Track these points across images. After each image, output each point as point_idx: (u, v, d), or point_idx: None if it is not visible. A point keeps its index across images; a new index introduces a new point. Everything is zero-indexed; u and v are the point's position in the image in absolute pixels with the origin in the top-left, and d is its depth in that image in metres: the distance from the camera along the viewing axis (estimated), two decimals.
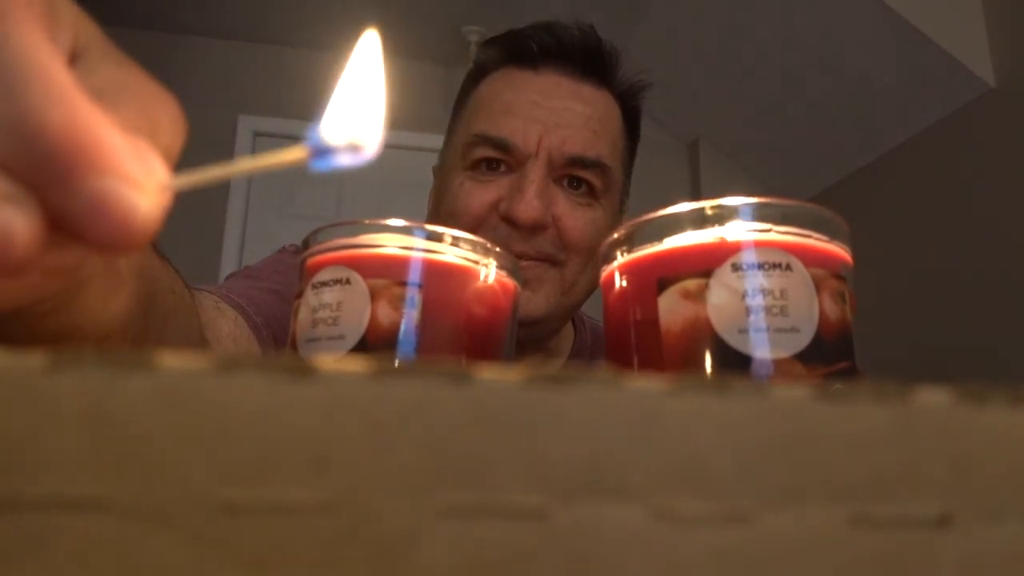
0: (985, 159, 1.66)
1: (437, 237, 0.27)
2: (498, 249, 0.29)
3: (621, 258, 0.27)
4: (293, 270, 0.49)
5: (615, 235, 0.27)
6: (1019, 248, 1.54)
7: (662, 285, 0.24)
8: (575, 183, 0.52)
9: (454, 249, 0.27)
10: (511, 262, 0.29)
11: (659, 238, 0.25)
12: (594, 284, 0.53)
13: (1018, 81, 1.60)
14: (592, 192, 0.52)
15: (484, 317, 0.28)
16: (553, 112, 0.51)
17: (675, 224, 0.25)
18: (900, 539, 0.12)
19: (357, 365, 0.11)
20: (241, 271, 0.55)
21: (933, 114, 1.82)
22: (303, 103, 2.39)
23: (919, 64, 1.73)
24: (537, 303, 0.51)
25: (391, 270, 0.26)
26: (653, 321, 0.24)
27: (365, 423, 0.11)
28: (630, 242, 0.26)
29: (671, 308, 0.24)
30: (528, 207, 0.48)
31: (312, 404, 0.11)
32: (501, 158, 0.52)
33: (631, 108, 0.57)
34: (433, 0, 2.20)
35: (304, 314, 0.27)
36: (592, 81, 0.53)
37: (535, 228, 0.50)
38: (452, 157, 0.55)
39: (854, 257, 0.26)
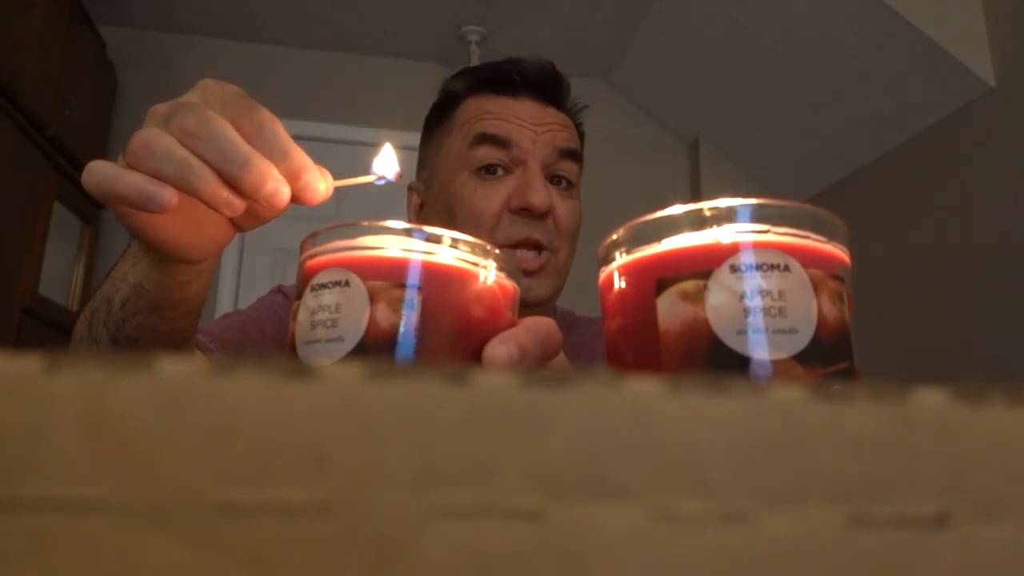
0: (985, 159, 1.66)
1: (436, 239, 0.27)
2: (497, 251, 0.29)
3: (620, 259, 0.27)
4: (267, 305, 0.65)
5: (614, 236, 0.27)
6: (1019, 248, 1.54)
7: (661, 286, 0.24)
8: (556, 180, 0.64)
9: (453, 251, 0.27)
10: (511, 264, 0.29)
11: (658, 239, 0.25)
12: (569, 268, 0.67)
13: (1018, 81, 1.60)
14: (571, 185, 0.65)
15: (483, 319, 0.28)
16: (537, 124, 0.63)
17: (674, 225, 0.25)
18: (898, 539, 0.12)
19: (355, 366, 0.11)
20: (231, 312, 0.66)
21: (933, 114, 1.82)
22: (303, 103, 2.40)
23: (919, 64, 1.73)
24: (545, 287, 0.63)
25: (390, 272, 0.26)
26: (652, 322, 0.24)
27: (363, 424, 0.11)
28: (629, 243, 0.26)
29: (670, 309, 0.24)
30: (541, 195, 0.59)
31: (311, 405, 0.11)
32: (500, 161, 0.62)
33: (577, 125, 0.71)
34: (433, 0, 2.20)
35: (303, 316, 0.27)
36: (554, 105, 0.67)
37: (546, 213, 0.60)
38: (447, 167, 0.64)
39: (853, 257, 0.26)
